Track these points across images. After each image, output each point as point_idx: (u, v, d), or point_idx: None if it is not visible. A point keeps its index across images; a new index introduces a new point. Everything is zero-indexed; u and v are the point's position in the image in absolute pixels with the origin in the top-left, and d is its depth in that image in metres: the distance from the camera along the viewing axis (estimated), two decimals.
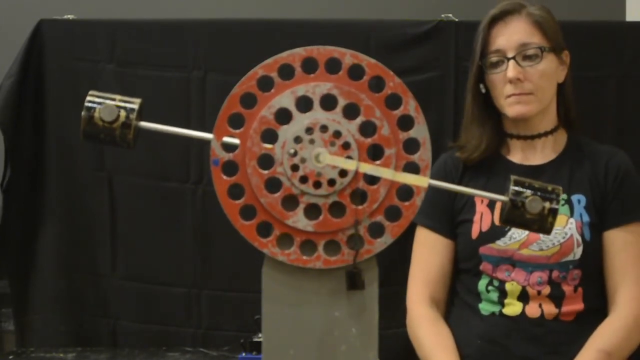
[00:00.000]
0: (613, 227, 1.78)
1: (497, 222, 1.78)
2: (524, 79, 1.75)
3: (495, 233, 1.78)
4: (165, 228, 2.18)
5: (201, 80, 2.16)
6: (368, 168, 1.03)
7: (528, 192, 1.03)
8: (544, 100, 1.79)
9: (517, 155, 1.84)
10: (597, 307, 1.78)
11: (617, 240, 1.77)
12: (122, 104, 1.03)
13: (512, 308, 1.77)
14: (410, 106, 1.04)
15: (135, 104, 1.04)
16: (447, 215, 1.85)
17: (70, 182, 2.18)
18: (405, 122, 1.05)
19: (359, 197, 1.04)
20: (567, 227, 1.76)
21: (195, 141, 2.13)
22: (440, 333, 1.79)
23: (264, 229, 1.04)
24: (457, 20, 2.12)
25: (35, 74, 2.17)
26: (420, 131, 1.05)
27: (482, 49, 1.79)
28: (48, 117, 2.18)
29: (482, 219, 1.80)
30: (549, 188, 1.04)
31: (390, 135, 1.04)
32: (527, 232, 1.74)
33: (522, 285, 1.75)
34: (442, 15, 2.13)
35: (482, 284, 1.80)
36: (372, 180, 1.04)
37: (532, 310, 1.75)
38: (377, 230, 1.04)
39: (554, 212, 1.03)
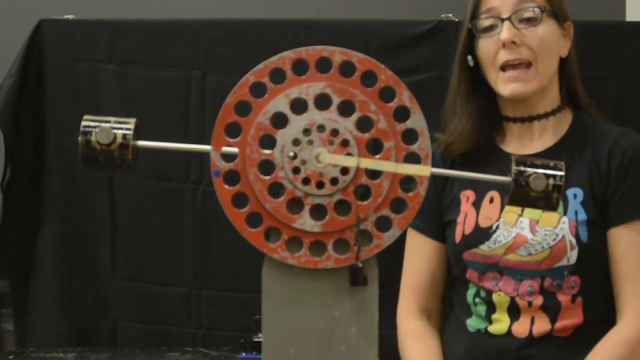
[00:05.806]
0: (617, 225, 1.54)
1: (481, 224, 1.59)
2: (520, 43, 1.53)
3: (478, 236, 1.57)
4: (165, 228, 2.18)
5: (201, 80, 2.16)
6: (369, 163, 1.03)
7: (530, 170, 1.03)
8: (545, 74, 1.56)
9: (513, 144, 1.62)
10: (601, 318, 1.55)
11: (622, 240, 1.53)
12: (118, 125, 1.03)
13: (499, 326, 1.56)
14: (405, 97, 1.04)
15: (130, 124, 1.03)
16: (435, 215, 1.66)
17: (70, 182, 2.18)
18: (401, 113, 1.04)
19: (360, 193, 1.03)
20: (559, 227, 1.53)
21: (195, 141, 2.13)
22: (427, 350, 1.62)
23: (272, 235, 1.04)
24: (457, 20, 2.11)
25: (35, 74, 2.16)
26: (417, 121, 1.04)
27: (473, 9, 1.59)
28: (48, 117, 2.18)
29: (466, 220, 1.60)
30: (551, 164, 1.04)
31: (387, 128, 1.03)
32: (513, 235, 1.56)
33: (511, 296, 1.55)
34: (442, 15, 2.13)
35: (469, 294, 1.61)
36: (374, 174, 1.04)
37: (520, 328, 1.55)
38: (384, 224, 1.04)
39: (558, 188, 1.02)
